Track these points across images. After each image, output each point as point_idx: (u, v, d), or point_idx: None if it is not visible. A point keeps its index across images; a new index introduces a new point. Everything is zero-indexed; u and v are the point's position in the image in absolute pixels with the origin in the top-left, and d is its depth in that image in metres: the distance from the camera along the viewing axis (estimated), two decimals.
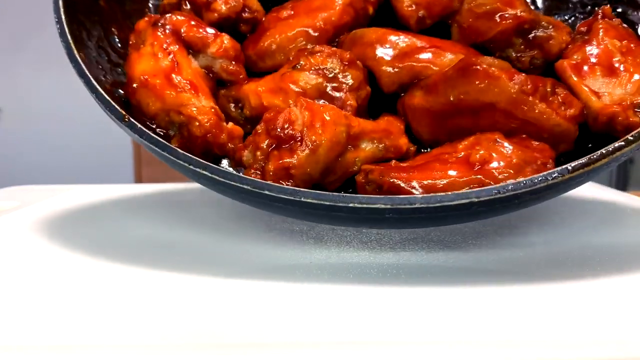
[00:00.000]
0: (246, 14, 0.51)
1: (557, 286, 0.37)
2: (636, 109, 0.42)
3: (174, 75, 0.45)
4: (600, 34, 0.47)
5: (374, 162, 0.43)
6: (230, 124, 0.45)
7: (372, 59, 0.47)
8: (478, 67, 0.42)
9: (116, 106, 0.41)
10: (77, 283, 0.37)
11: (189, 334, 0.29)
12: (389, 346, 0.28)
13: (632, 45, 0.46)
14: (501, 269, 0.40)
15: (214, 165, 0.39)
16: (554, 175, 0.36)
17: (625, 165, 1.29)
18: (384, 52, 0.47)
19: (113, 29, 0.51)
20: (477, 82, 0.42)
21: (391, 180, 0.40)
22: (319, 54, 0.46)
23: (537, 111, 0.41)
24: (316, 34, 0.49)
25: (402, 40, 0.47)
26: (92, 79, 0.43)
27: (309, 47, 0.47)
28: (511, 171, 0.39)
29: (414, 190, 0.40)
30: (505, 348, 0.28)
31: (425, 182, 0.40)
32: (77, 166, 1.38)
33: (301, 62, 0.46)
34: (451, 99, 0.43)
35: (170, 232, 0.51)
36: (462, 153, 0.42)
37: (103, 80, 0.46)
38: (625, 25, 0.49)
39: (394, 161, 0.44)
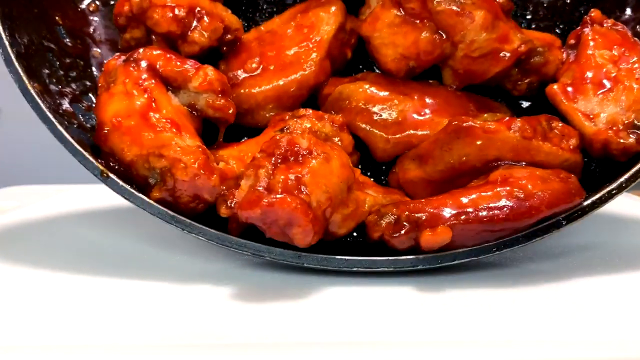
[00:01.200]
0: (228, 36, 0.45)
1: (557, 285, 0.37)
2: (629, 130, 0.40)
3: (151, 114, 0.38)
4: (589, 46, 0.44)
5: None
6: (222, 164, 0.39)
7: (364, 130, 0.44)
8: (473, 125, 0.39)
9: (92, 160, 0.38)
10: (75, 283, 0.37)
11: (188, 335, 0.30)
12: (388, 347, 0.28)
13: (623, 49, 0.44)
14: (500, 268, 0.40)
15: (210, 230, 0.37)
16: (550, 230, 0.38)
17: None
18: (377, 124, 0.43)
19: (57, 18, 0.45)
20: (476, 141, 0.39)
21: (411, 206, 0.38)
22: (306, 119, 0.42)
23: (544, 152, 0.39)
24: (289, 99, 0.44)
25: (392, 105, 0.43)
26: (58, 125, 0.39)
27: (287, 114, 0.43)
28: (538, 182, 0.37)
29: (441, 211, 0.37)
30: (504, 347, 0.28)
31: (450, 202, 0.37)
32: (77, 166, 1.38)
33: (289, 126, 0.41)
34: (451, 163, 0.40)
35: (167, 231, 0.51)
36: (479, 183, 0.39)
37: (63, 107, 0.41)
38: (617, 26, 0.46)
39: None
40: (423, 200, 0.38)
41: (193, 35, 0.44)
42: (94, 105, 0.44)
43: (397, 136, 0.43)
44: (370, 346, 0.28)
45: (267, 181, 0.34)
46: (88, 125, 0.42)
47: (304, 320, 0.31)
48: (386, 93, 0.44)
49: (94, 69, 0.46)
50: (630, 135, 0.40)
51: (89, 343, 0.29)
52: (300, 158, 0.35)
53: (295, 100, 0.45)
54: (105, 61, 0.43)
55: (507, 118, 0.40)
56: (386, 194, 0.42)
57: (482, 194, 0.37)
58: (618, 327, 0.31)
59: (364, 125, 0.44)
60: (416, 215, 0.37)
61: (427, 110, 0.43)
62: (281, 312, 0.33)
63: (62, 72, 0.44)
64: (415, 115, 0.43)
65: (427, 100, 0.44)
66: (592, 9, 0.47)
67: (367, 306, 0.34)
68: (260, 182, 0.35)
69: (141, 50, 0.41)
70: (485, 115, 0.44)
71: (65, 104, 0.42)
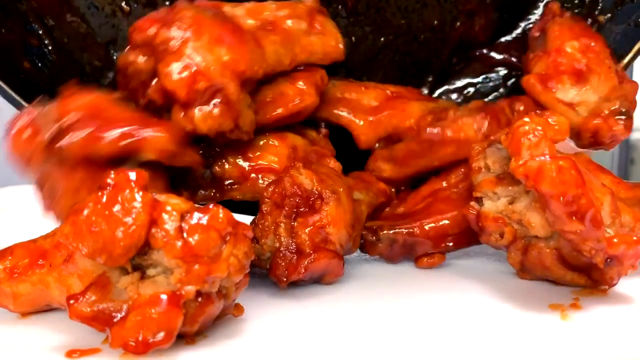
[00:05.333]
0: (230, 135, 0.38)
1: (556, 286, 0.37)
2: (617, 117, 0.42)
3: None
4: (557, 36, 0.45)
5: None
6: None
7: (345, 118, 0.47)
8: (444, 135, 0.43)
9: None
10: None
11: None
12: None
13: (587, 39, 0.45)
14: (502, 270, 0.40)
15: None
16: None
17: (625, 165, 1.28)
18: (356, 110, 0.47)
19: None
20: (447, 150, 0.43)
21: (404, 231, 0.42)
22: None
23: None
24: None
25: (366, 92, 0.47)
26: None
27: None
28: None
29: (430, 238, 0.42)
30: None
31: (432, 226, 0.42)
32: None
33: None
34: (426, 166, 0.45)
35: None
36: (460, 187, 0.43)
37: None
38: (576, 17, 0.48)
39: (388, 209, 0.45)
40: (411, 217, 0.42)
41: (193, 113, 0.36)
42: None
43: (378, 125, 0.46)
44: None
45: (292, 241, 0.36)
46: None
47: None
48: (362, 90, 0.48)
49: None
50: (619, 122, 0.41)
51: (83, 345, 0.30)
52: (312, 203, 0.36)
53: None
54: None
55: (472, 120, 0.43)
56: (368, 188, 0.44)
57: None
58: (618, 326, 0.30)
59: (344, 113, 0.46)
60: (411, 239, 0.41)
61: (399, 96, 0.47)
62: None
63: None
64: (388, 100, 0.47)
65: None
66: (550, 2, 0.49)
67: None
68: (284, 243, 0.36)
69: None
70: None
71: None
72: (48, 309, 0.34)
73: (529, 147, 0.33)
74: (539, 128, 0.34)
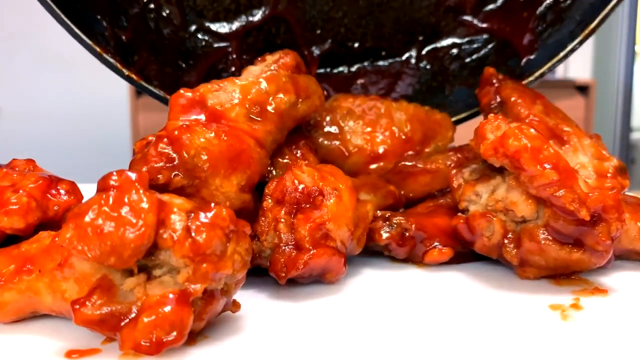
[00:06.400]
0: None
1: (556, 286, 0.37)
2: (621, 173, 0.44)
3: None
4: (520, 105, 0.47)
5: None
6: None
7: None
8: (415, 166, 0.48)
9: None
10: None
11: None
12: None
13: (540, 99, 0.48)
14: (502, 270, 0.40)
15: None
16: None
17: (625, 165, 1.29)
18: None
19: None
20: (420, 181, 0.48)
21: (415, 225, 0.42)
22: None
23: None
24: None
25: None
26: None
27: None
28: None
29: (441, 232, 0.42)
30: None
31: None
32: (77, 166, 1.38)
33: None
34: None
35: None
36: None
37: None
38: (512, 79, 0.51)
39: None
40: (427, 219, 0.43)
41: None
42: None
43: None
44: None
45: (292, 237, 0.35)
46: None
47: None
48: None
49: None
50: (626, 178, 0.44)
51: (89, 346, 0.30)
52: (313, 200, 0.36)
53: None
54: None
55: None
56: (376, 190, 0.44)
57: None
58: (618, 327, 0.31)
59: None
60: (422, 233, 0.41)
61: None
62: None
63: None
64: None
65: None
66: (486, 67, 0.52)
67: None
68: (283, 239, 0.35)
69: None
70: (427, 150, 0.51)
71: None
72: (32, 317, 0.33)
73: (491, 130, 0.37)
74: (500, 117, 0.38)
